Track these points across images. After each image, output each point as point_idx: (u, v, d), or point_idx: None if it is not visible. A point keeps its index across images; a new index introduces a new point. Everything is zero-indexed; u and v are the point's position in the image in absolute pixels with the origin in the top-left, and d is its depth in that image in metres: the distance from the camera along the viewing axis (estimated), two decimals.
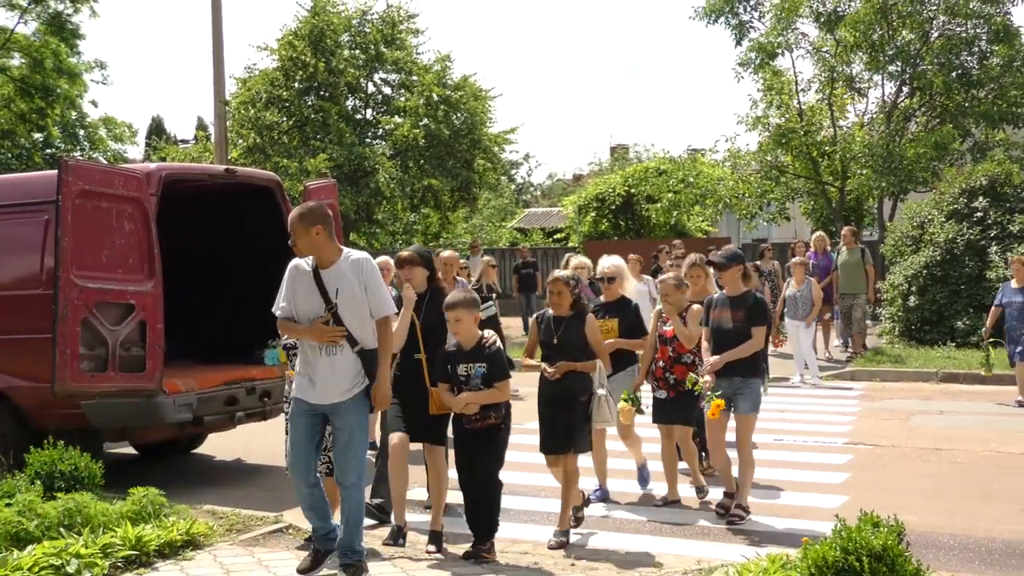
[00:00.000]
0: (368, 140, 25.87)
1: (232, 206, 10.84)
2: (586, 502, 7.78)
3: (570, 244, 30.53)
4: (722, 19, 25.11)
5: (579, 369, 7.12)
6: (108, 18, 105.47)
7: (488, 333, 6.74)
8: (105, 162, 27.42)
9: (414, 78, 26.07)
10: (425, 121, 25.27)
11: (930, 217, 18.90)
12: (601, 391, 7.20)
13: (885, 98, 24.86)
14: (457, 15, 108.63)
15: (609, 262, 8.65)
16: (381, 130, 26.37)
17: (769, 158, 24.82)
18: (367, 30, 26.00)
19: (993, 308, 13.38)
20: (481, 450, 6.57)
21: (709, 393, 7.65)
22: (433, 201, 26.67)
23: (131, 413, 8.69)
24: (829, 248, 18.40)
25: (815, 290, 15.01)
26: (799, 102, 24.76)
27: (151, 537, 6.48)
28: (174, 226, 10.22)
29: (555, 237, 36.03)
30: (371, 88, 26.82)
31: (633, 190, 29.60)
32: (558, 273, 7.35)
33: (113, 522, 6.63)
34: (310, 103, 25.38)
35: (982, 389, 14.12)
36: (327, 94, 25.29)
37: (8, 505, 6.63)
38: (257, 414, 9.68)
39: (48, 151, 33.45)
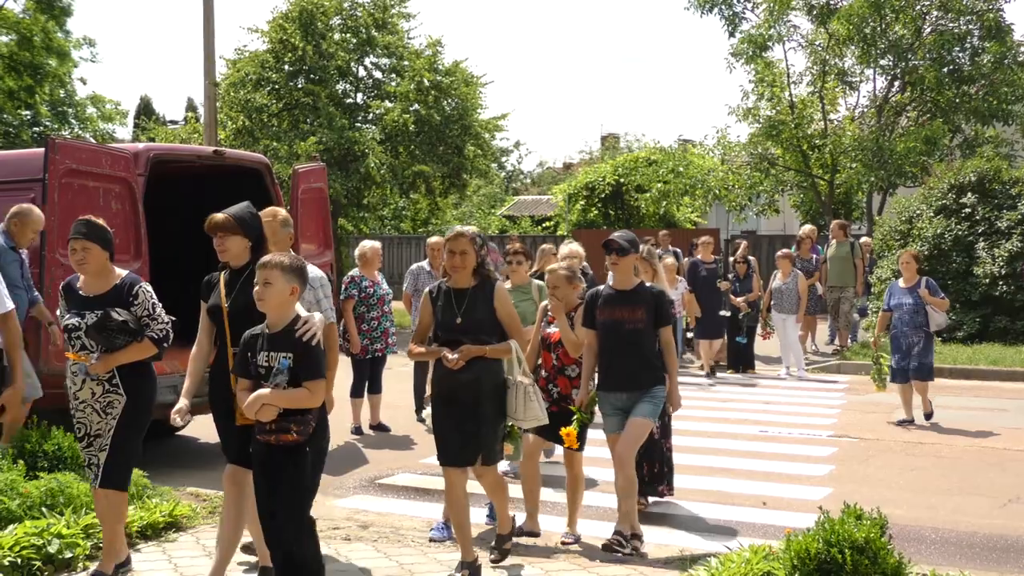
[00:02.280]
0: (358, 124, 25.79)
1: (220, 188, 10.78)
2: (517, 530, 6.60)
3: (559, 232, 30.53)
4: (716, 10, 25.08)
5: (489, 355, 5.82)
6: None
7: (311, 315, 4.94)
8: (93, 141, 27.26)
9: (405, 63, 26.00)
10: (416, 106, 25.21)
11: (918, 212, 18.94)
12: (524, 379, 5.91)
13: (876, 92, 24.89)
14: (449, 0, 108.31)
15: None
16: (371, 114, 26.30)
17: (759, 150, 24.83)
18: (358, 13, 25.91)
19: (881, 313, 11.63)
20: (278, 477, 4.76)
21: (577, 415, 6.59)
22: (423, 187, 26.63)
23: None
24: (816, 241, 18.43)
25: (801, 283, 15.04)
26: (790, 94, 24.78)
27: (134, 519, 6.46)
28: (161, 207, 10.16)
29: (544, 225, 36.02)
30: (362, 72, 26.75)
31: (623, 179, 29.61)
32: (460, 228, 5.98)
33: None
34: (300, 86, 25.29)
35: (967, 384, 14.18)
36: (317, 77, 25.20)
37: None
38: None
39: (36, 129, 33.24)
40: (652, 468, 7.67)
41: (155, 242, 9.11)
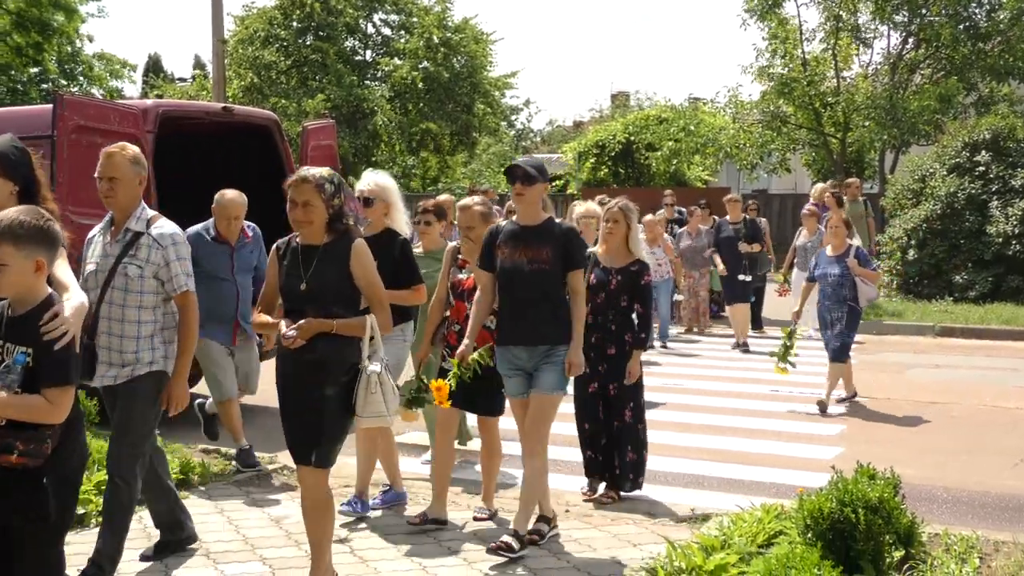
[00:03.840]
0: (367, 82, 25.66)
1: (230, 145, 10.72)
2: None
3: (569, 191, 30.40)
4: None
5: (338, 331, 4.65)
6: None
7: (65, 301, 3.60)
8: (102, 98, 27.21)
9: (414, 19, 25.84)
10: (424, 64, 25.09)
11: (931, 171, 18.78)
12: (373, 366, 4.68)
13: (890, 49, 24.65)
14: None
15: (371, 179, 6.40)
16: (380, 72, 26.16)
17: (771, 108, 24.64)
18: None
19: (805, 284, 10.58)
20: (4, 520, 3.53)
21: (454, 370, 5.70)
22: (432, 145, 26.56)
23: None
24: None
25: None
26: (803, 52, 24.53)
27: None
28: (171, 164, 10.11)
29: (554, 184, 35.89)
30: (370, 29, 26.59)
31: (633, 138, 29.43)
32: (304, 171, 4.80)
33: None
34: (308, 43, 25.15)
35: (979, 344, 14.12)
36: (325, 34, 25.07)
37: None
38: None
39: (44, 86, 33.14)
40: (625, 458, 6.85)
41: (164, 199, 9.06)
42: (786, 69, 24.54)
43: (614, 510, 6.57)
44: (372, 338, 4.75)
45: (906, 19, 23.70)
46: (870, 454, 6.74)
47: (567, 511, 6.48)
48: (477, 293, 5.82)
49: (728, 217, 14.53)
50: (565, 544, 5.80)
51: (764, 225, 15.26)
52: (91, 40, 35.46)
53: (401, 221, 6.44)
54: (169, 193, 9.54)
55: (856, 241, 10.27)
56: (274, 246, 4.98)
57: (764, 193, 29.48)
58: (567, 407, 6.48)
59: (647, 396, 7.24)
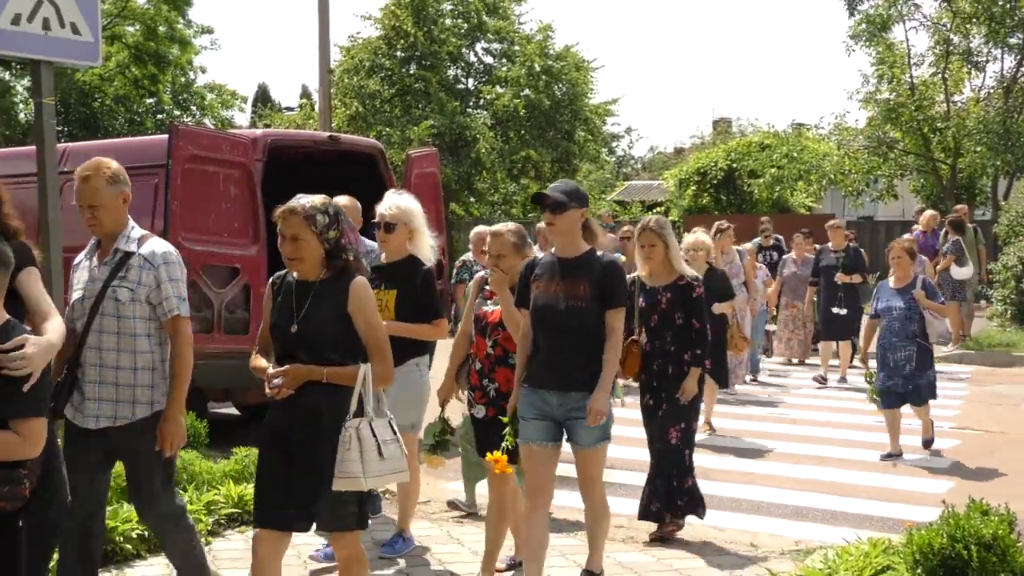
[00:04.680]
0: (469, 110, 25.94)
1: (335, 173, 10.94)
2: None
3: (670, 218, 30.21)
4: None
5: (329, 379, 4.14)
6: None
7: (28, 336, 3.30)
8: (214, 127, 28.06)
9: (516, 48, 26.04)
10: (526, 91, 25.22)
11: None
12: (355, 422, 4.11)
13: (1004, 72, 23.99)
14: None
15: (392, 201, 5.82)
16: (482, 100, 26.41)
17: (878, 134, 24.20)
18: None
19: (868, 320, 9.41)
20: None
21: (508, 428, 5.13)
22: (533, 172, 26.65)
23: (234, 374, 8.84)
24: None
25: (927, 271, 13.51)
26: (911, 76, 24.05)
27: (252, 496, 6.60)
28: (279, 191, 10.36)
29: (654, 211, 35.73)
30: (473, 58, 26.86)
31: (735, 164, 29.15)
32: (295, 201, 4.43)
33: (217, 480, 6.77)
34: (412, 72, 25.53)
35: None
36: (429, 63, 25.41)
37: None
38: None
39: (159, 116, 34.31)
40: (670, 482, 6.49)
41: (272, 226, 9.28)
42: (893, 94, 24.07)
43: (715, 538, 6.49)
44: (365, 390, 4.15)
45: (1021, 41, 23.07)
46: (982, 489, 6.54)
47: (666, 539, 6.42)
48: (520, 334, 5.17)
49: (830, 244, 13.53)
50: (665, 574, 5.74)
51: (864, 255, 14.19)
52: (204, 71, 36.71)
53: (426, 248, 5.86)
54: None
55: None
56: (270, 280, 4.49)
57: (870, 220, 28.87)
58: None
59: (748, 427, 7.12)
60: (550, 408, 4.99)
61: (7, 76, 32.31)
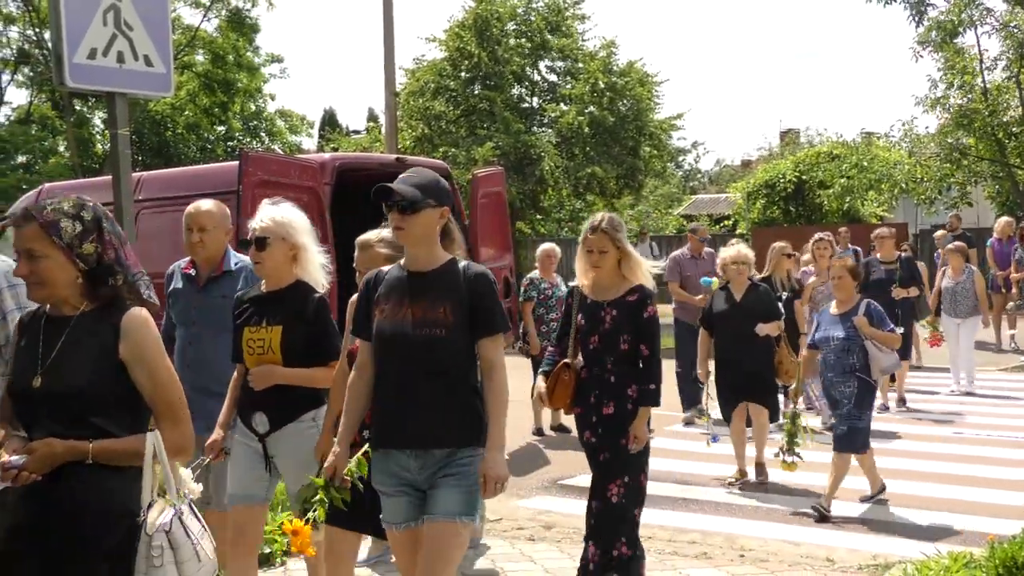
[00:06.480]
0: (534, 128, 26.03)
1: None
2: None
3: (738, 231, 29.97)
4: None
5: (96, 459, 2.92)
6: (283, 13, 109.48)
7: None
8: (282, 153, 28.52)
9: (579, 65, 26.08)
10: (590, 108, 25.24)
11: None
12: (159, 517, 2.93)
13: None
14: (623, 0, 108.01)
15: (265, 213, 4.57)
16: (546, 118, 26.49)
17: (950, 140, 23.77)
18: (532, 18, 26.16)
19: (806, 352, 8.03)
20: None
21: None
22: (598, 188, 26.64)
23: None
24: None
25: (978, 281, 12.53)
26: (984, 81, 23.61)
27: None
28: (348, 215, 10.50)
29: (722, 224, 35.45)
30: (536, 76, 26.96)
31: (804, 175, 28.84)
32: (30, 204, 3.15)
33: None
34: (476, 92, 25.70)
35: None
36: (493, 83, 25.56)
37: None
38: None
39: (230, 143, 34.99)
40: (610, 551, 5.38)
41: (341, 250, 9.41)
42: (964, 99, 23.64)
43: (789, 552, 6.41)
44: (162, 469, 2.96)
45: None
46: None
47: (742, 556, 6.37)
48: (352, 373, 3.98)
49: (879, 255, 12.00)
50: None
51: (921, 267, 12.48)
52: (273, 99, 37.37)
53: (315, 269, 4.70)
54: (346, 241, 9.90)
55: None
56: (19, 319, 3.23)
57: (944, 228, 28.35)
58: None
59: (821, 440, 6.94)
60: (409, 475, 3.80)
61: (84, 108, 33.23)
